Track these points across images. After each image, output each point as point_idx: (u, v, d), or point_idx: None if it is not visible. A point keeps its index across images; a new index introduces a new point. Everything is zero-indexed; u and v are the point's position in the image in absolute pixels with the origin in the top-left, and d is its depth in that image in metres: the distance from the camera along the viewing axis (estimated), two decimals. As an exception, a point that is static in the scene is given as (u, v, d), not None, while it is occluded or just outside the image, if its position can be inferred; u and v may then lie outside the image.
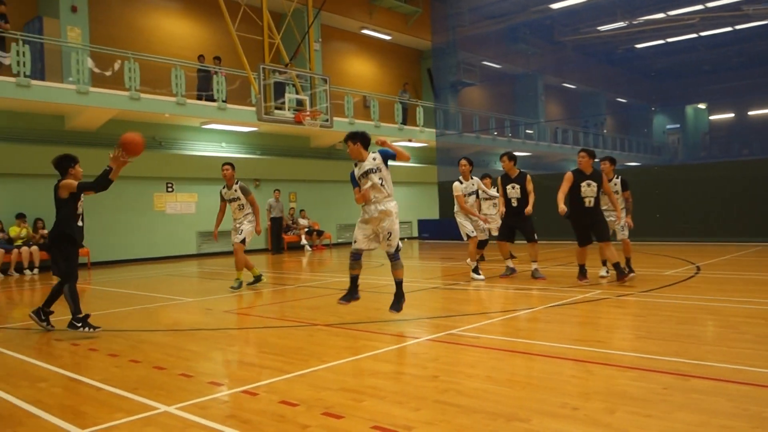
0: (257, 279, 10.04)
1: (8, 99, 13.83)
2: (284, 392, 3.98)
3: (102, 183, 6.29)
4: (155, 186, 17.58)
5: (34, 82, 13.95)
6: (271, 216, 19.00)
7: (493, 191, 11.59)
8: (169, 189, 17.91)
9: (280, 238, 19.30)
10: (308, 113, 13.80)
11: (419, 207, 24.68)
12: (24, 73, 13.76)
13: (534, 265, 9.62)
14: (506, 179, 9.70)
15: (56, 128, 15.87)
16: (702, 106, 33.66)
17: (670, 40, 26.91)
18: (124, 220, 16.79)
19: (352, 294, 6.61)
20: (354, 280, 6.58)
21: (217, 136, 19.12)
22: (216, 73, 17.63)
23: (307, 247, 19.67)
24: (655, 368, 4.22)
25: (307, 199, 21.39)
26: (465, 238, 9.92)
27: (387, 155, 6.33)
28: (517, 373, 4.28)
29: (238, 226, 9.78)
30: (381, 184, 6.31)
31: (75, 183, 6.37)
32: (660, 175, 16.84)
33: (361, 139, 6.42)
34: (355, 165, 6.46)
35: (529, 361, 4.61)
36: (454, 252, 15.68)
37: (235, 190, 9.69)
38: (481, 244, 10.14)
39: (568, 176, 8.47)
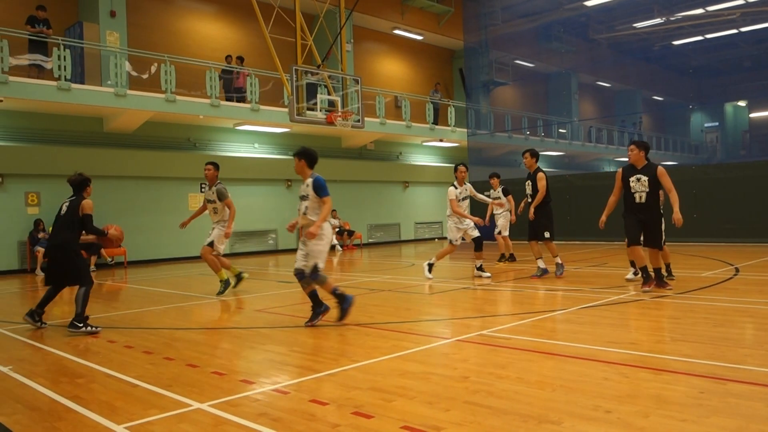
0: (238, 278, 9.63)
1: (49, 102, 14.23)
2: (314, 391, 4.01)
3: (96, 234, 6.89)
4: (190, 186, 17.86)
5: (74, 85, 14.33)
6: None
7: (498, 192, 12.21)
8: (203, 189, 18.16)
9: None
10: (340, 114, 13.86)
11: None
12: (65, 77, 14.14)
13: (557, 260, 9.82)
14: (527, 176, 10.09)
15: (95, 130, 16.26)
16: (742, 103, 32.81)
17: (708, 36, 26.27)
18: (159, 220, 17.10)
19: (316, 312, 6.41)
20: (312, 296, 6.43)
21: (250, 137, 19.35)
22: (248, 74, 17.81)
23: (338, 247, 19.77)
24: (690, 371, 4.13)
25: (338, 199, 21.44)
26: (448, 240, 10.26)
27: (319, 184, 6.29)
28: (548, 374, 4.24)
29: (211, 231, 9.31)
30: (305, 212, 6.33)
31: (91, 213, 6.77)
32: (698, 175, 16.46)
33: (306, 157, 6.42)
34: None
35: (561, 362, 4.56)
36: (484, 252, 15.57)
37: (213, 192, 9.18)
38: (478, 245, 10.13)
39: (617, 173, 8.11)
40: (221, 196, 9.11)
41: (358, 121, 14.40)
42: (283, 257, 17.77)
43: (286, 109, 14.81)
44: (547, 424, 3.24)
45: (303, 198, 6.41)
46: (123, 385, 4.35)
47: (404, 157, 24.18)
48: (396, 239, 23.30)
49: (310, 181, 6.34)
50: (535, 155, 9.99)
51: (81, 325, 6.34)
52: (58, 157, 15.12)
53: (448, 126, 23.58)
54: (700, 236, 15.60)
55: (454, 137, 23.61)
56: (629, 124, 32.76)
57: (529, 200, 9.98)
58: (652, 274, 7.87)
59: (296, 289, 9.91)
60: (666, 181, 7.78)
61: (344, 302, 6.38)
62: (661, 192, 8.65)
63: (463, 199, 10.19)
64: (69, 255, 6.55)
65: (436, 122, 23.22)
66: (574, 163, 30.69)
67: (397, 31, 24.35)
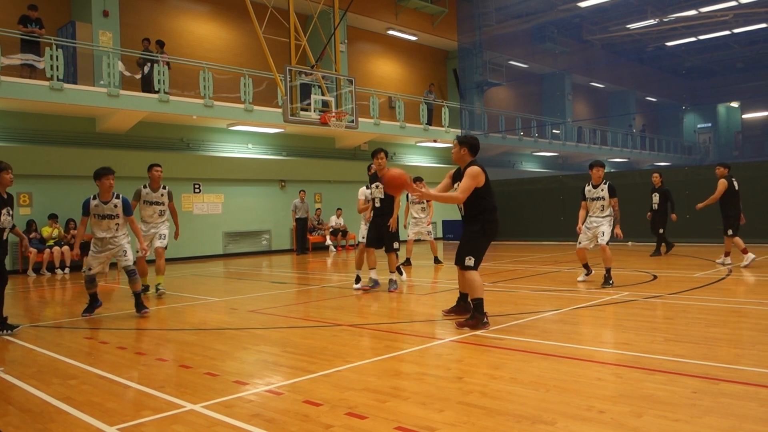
0: (146, 288, 9.43)
1: (42, 102, 14.14)
2: (308, 392, 4.00)
3: None
4: (183, 187, 17.81)
5: (66, 85, 14.25)
6: (296, 216, 19.12)
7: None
8: (197, 190, 18.13)
9: (305, 238, 19.41)
10: (334, 114, 13.84)
11: (444, 207, 24.58)
12: (57, 76, 14.06)
13: (391, 276, 8.90)
14: (374, 178, 8.90)
15: (87, 131, 16.18)
16: (734, 104, 33.02)
17: (701, 37, 26.44)
18: (153, 221, 17.01)
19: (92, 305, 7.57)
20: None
21: (244, 137, 19.31)
22: (168, 61, 17.64)
23: (332, 248, 19.74)
24: (683, 371, 4.14)
25: (332, 199, 21.47)
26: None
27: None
28: (542, 375, 4.24)
29: (155, 231, 9.25)
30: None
31: None
32: (690, 176, 16.52)
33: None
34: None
35: (554, 363, 4.57)
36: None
37: (162, 194, 9.24)
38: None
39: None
40: (171, 198, 9.40)
41: (352, 121, 14.38)
42: (277, 258, 17.74)
43: (280, 110, 14.77)
44: (540, 425, 3.25)
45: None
46: (115, 387, 4.33)
47: (398, 158, 24.18)
48: (390, 240, 23.29)
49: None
50: (379, 154, 8.66)
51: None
52: (50, 157, 15.04)
53: (442, 127, 23.59)
54: (693, 237, 15.66)
55: (447, 138, 23.61)
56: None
57: (378, 204, 8.84)
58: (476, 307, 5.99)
59: (289, 290, 9.91)
60: (465, 181, 5.89)
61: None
62: (614, 201, 8.73)
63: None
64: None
65: (430, 123, 23.23)
66: (568, 164, 30.79)
67: (391, 32, 24.35)
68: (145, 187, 9.26)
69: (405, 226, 12.54)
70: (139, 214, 9.07)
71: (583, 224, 8.92)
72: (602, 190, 8.73)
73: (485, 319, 5.86)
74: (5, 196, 6.59)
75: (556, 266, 11.82)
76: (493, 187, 6.10)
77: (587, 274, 9.18)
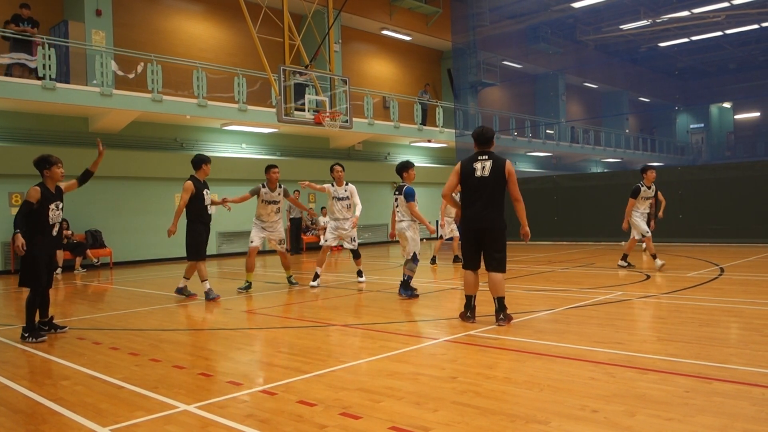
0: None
1: (34, 102, 14.06)
2: (302, 392, 3.99)
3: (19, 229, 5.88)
4: (176, 187, 17.71)
5: (59, 85, 14.18)
6: (290, 217, 19.08)
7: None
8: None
9: (299, 238, 19.38)
10: (328, 114, 13.81)
11: (438, 207, 24.63)
12: (50, 76, 13.98)
13: (207, 284, 8.73)
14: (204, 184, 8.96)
15: (80, 130, 16.10)
16: (727, 105, 33.17)
17: (694, 38, 26.55)
18: (145, 221, 16.98)
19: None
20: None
21: (238, 137, 19.26)
22: (41, 42, 17.32)
23: (326, 248, 19.70)
24: (676, 371, 4.16)
25: (326, 200, 21.43)
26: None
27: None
28: (536, 374, 4.25)
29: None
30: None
31: (30, 200, 6.00)
32: (683, 176, 16.59)
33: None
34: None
35: (548, 362, 4.58)
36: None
37: (278, 193, 10.17)
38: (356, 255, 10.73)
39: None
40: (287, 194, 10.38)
41: (346, 121, 14.36)
42: (271, 258, 17.70)
43: (274, 110, 14.74)
44: (534, 424, 3.25)
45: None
46: (108, 387, 4.31)
47: (392, 158, 24.19)
48: (384, 240, 23.30)
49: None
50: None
51: (27, 335, 6.04)
52: (43, 157, 14.94)
53: (436, 127, 23.61)
54: (685, 236, 15.73)
55: (442, 138, 23.64)
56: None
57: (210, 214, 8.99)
58: None
59: (283, 290, 9.89)
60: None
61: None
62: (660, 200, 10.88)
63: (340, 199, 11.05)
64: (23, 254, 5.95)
65: (424, 123, 23.23)
66: (561, 164, 30.86)
67: (385, 32, 24.35)
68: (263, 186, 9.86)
69: (442, 226, 12.90)
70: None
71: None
72: (653, 190, 10.58)
73: (468, 314, 6.28)
74: (54, 191, 6.29)
75: (550, 266, 11.85)
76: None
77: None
